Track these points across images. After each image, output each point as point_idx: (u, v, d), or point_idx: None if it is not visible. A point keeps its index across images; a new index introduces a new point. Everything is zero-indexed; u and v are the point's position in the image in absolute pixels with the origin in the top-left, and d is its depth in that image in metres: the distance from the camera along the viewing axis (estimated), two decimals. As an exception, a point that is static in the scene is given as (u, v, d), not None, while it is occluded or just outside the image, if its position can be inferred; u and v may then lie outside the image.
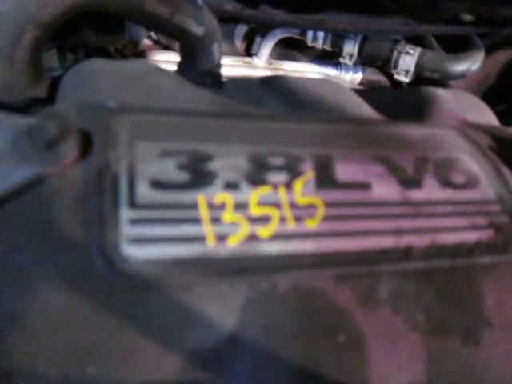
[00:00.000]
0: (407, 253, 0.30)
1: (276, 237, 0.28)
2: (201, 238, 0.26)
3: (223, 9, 0.65)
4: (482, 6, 0.62)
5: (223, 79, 0.59)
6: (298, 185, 0.29)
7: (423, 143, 0.36)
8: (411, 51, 0.85)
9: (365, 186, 0.31)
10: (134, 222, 0.26)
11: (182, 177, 0.28)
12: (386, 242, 0.30)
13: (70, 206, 0.26)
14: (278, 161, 0.30)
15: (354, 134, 0.34)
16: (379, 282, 0.29)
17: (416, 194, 0.32)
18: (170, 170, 0.28)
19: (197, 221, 0.27)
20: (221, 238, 0.27)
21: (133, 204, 0.26)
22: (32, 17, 0.34)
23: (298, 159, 0.31)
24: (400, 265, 0.30)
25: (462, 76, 0.87)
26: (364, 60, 0.91)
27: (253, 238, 0.27)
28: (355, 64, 0.93)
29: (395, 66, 0.87)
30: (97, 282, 0.24)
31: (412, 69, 0.86)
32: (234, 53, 0.94)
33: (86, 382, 0.23)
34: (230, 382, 0.25)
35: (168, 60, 0.73)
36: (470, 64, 0.85)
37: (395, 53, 0.86)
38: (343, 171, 0.31)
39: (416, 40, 0.88)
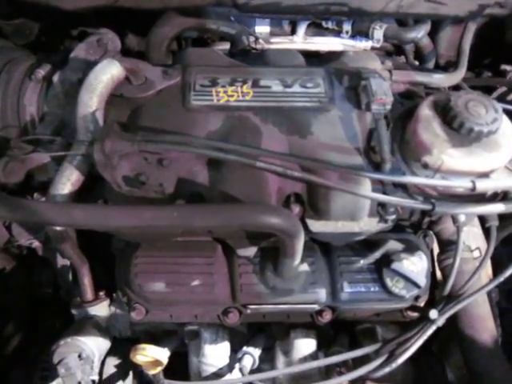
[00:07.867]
0: (279, 109, 0.94)
1: (236, 100, 0.95)
2: (212, 100, 0.95)
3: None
4: None
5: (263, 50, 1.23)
6: (245, 86, 0.96)
7: (304, 73, 0.99)
8: (378, 27, 1.40)
9: (269, 87, 0.96)
10: (195, 95, 0.95)
11: (208, 84, 0.96)
12: (271, 103, 0.95)
13: (179, 91, 0.95)
14: (240, 79, 0.97)
15: (277, 71, 0.99)
16: (268, 115, 0.94)
17: (289, 89, 0.96)
18: (206, 82, 0.97)
19: (211, 94, 0.95)
20: (219, 100, 0.95)
21: (195, 90, 0.95)
22: (166, 36, 1.06)
23: (247, 79, 0.97)
24: (277, 110, 0.94)
25: (412, 41, 1.40)
26: (356, 34, 1.47)
27: (228, 100, 0.95)
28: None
29: (372, 37, 1.42)
30: (181, 112, 0.93)
31: (381, 38, 1.41)
32: (283, 33, 1.55)
33: None
34: None
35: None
36: (416, 33, 1.38)
37: (371, 29, 1.41)
38: (263, 83, 0.97)
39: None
